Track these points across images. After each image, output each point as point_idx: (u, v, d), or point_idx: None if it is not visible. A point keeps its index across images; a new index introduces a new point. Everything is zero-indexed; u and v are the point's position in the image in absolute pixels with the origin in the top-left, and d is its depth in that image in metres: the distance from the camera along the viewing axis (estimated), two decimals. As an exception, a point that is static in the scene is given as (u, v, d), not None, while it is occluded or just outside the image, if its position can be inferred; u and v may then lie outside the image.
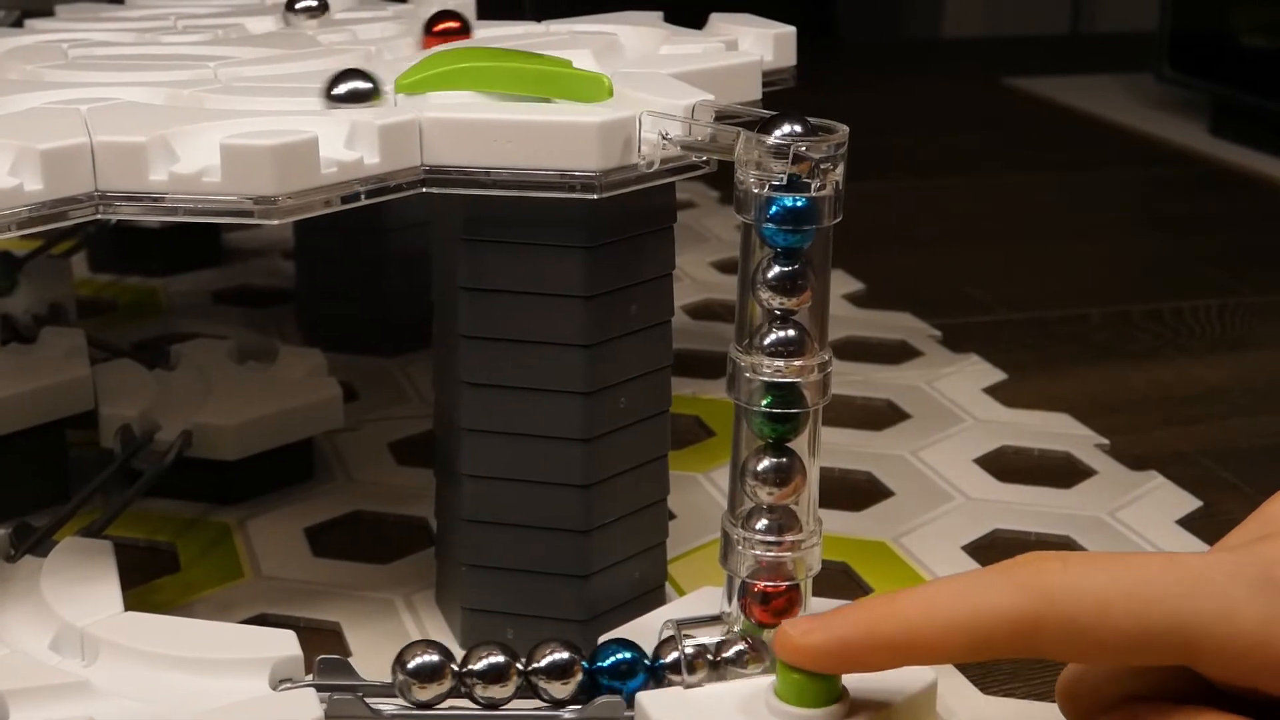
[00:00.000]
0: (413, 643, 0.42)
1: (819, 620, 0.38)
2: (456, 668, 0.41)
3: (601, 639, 0.43)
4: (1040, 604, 0.35)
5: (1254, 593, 0.34)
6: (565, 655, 0.42)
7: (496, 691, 0.41)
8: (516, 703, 0.42)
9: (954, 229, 1.01)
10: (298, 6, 0.59)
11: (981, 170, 1.17)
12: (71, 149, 0.41)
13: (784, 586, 0.42)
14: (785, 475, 0.41)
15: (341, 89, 0.45)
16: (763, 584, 0.42)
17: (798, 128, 0.39)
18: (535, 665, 0.42)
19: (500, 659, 0.41)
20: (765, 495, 0.41)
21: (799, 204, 0.39)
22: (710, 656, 0.41)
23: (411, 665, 0.41)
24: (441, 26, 0.54)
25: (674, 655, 0.41)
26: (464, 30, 0.54)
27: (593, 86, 0.45)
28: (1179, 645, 0.35)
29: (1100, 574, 0.35)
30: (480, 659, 0.41)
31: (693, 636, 0.42)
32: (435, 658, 0.41)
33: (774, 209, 0.39)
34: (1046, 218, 1.04)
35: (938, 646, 0.36)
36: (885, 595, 0.38)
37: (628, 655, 0.42)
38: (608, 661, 0.42)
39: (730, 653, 0.41)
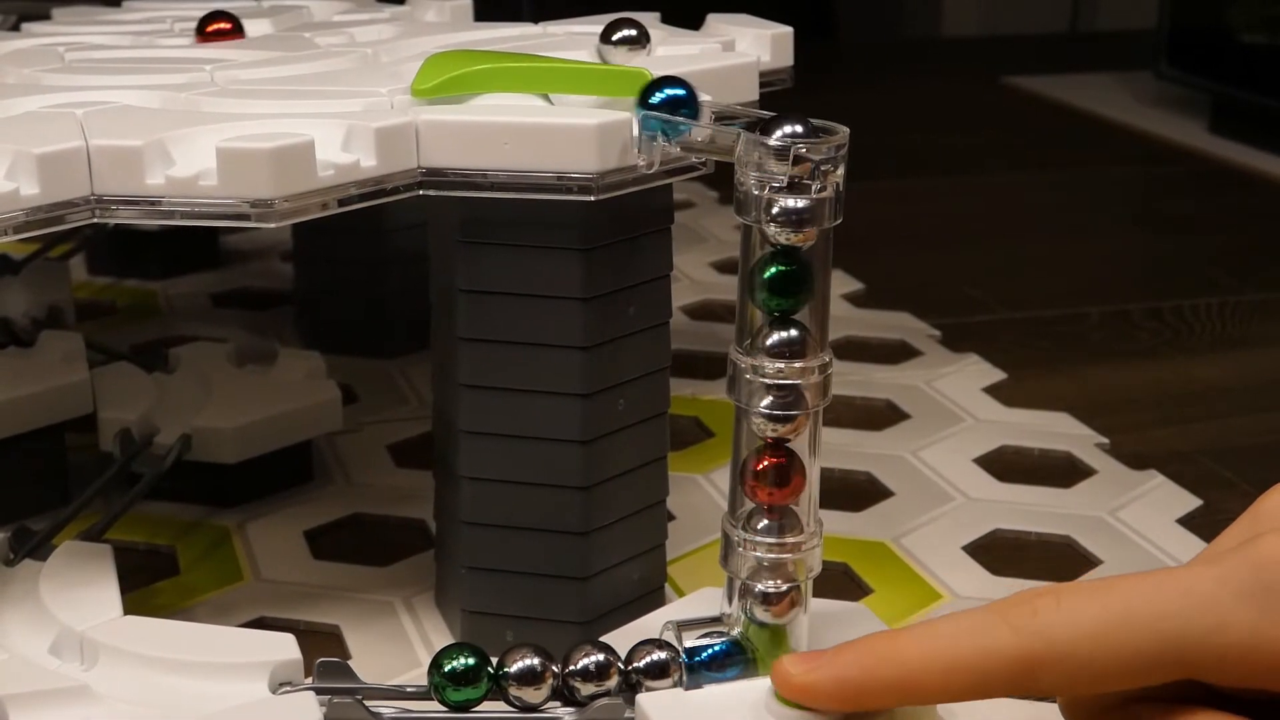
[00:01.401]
0: (512, 646, 0.42)
1: (818, 659, 0.38)
2: (557, 669, 0.42)
3: (602, 640, 0.43)
4: (1037, 644, 0.36)
5: (1243, 600, 0.35)
6: (663, 655, 0.42)
7: (594, 689, 0.42)
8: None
9: (953, 228, 1.01)
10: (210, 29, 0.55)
11: (981, 169, 1.17)
12: (68, 153, 0.41)
13: (785, 588, 0.42)
14: (785, 476, 0.41)
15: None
16: (763, 585, 0.41)
17: (798, 128, 0.39)
18: (635, 665, 0.42)
19: (600, 658, 0.41)
20: (766, 496, 0.41)
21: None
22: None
23: (514, 670, 0.41)
24: (213, 27, 0.54)
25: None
26: (237, 30, 0.54)
27: (631, 81, 0.44)
28: (1176, 663, 0.35)
29: (1091, 606, 0.36)
30: (580, 659, 0.42)
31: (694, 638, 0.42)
32: (535, 660, 0.41)
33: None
34: (1045, 217, 1.04)
35: (936, 688, 0.37)
36: (884, 635, 0.38)
37: (724, 647, 0.42)
38: (706, 655, 0.42)
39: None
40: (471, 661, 0.41)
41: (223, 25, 0.53)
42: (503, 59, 0.46)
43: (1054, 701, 0.40)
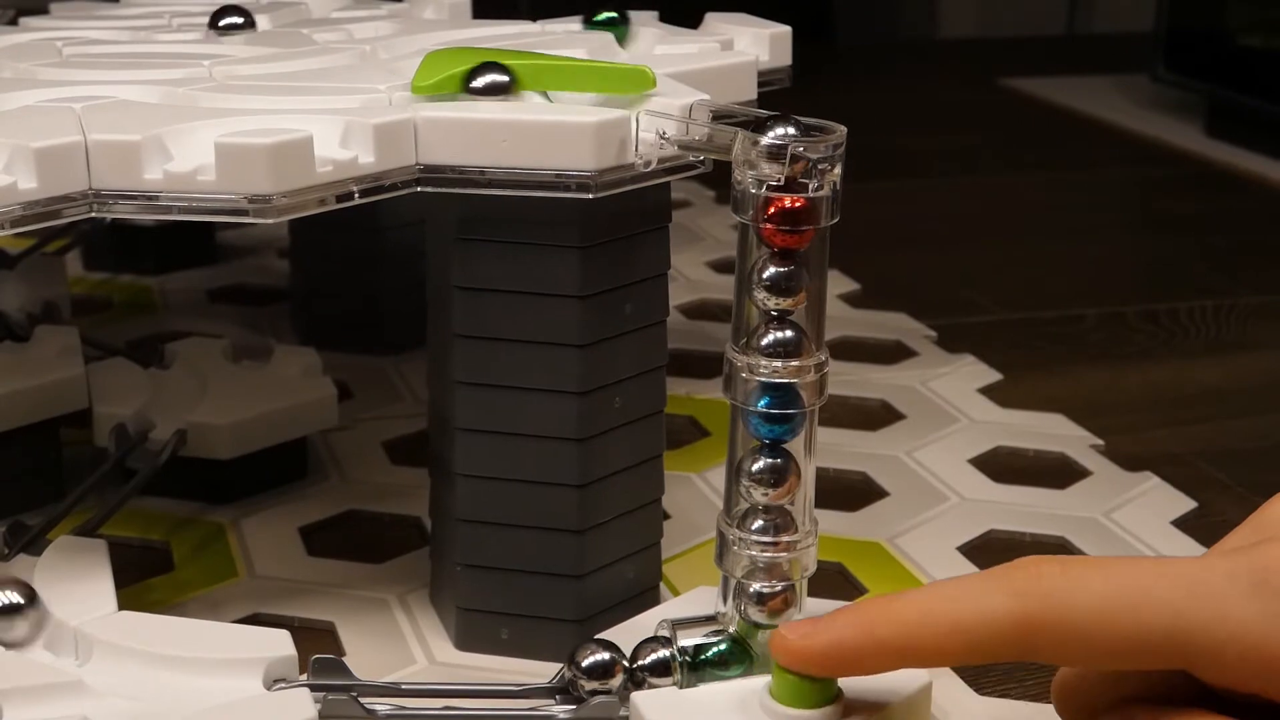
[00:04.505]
0: (585, 642, 0.42)
1: (815, 623, 0.38)
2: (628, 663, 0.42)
3: (596, 639, 0.43)
4: (1037, 608, 0.35)
5: (1248, 598, 0.35)
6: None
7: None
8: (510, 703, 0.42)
9: (949, 229, 1.01)
10: (222, 24, 0.57)
11: (977, 171, 1.17)
12: (66, 147, 0.41)
13: (779, 587, 0.42)
14: (780, 475, 0.41)
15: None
16: (758, 585, 0.42)
17: (792, 129, 0.39)
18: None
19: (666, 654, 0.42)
20: (760, 496, 0.41)
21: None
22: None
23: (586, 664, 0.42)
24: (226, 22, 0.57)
25: None
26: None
27: (637, 79, 0.44)
28: (1174, 650, 0.35)
29: (1097, 579, 0.35)
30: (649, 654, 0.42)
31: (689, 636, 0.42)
32: (606, 655, 0.42)
33: (763, 402, 0.40)
34: (1042, 218, 1.04)
35: (934, 650, 0.36)
36: (882, 598, 0.38)
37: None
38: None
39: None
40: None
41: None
42: (502, 56, 0.46)
43: (1049, 703, 0.40)
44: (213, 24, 0.57)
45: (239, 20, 0.57)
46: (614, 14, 0.56)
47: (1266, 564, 0.35)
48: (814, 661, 0.38)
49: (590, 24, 0.56)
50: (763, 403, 0.41)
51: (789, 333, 0.40)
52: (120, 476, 0.56)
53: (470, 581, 0.48)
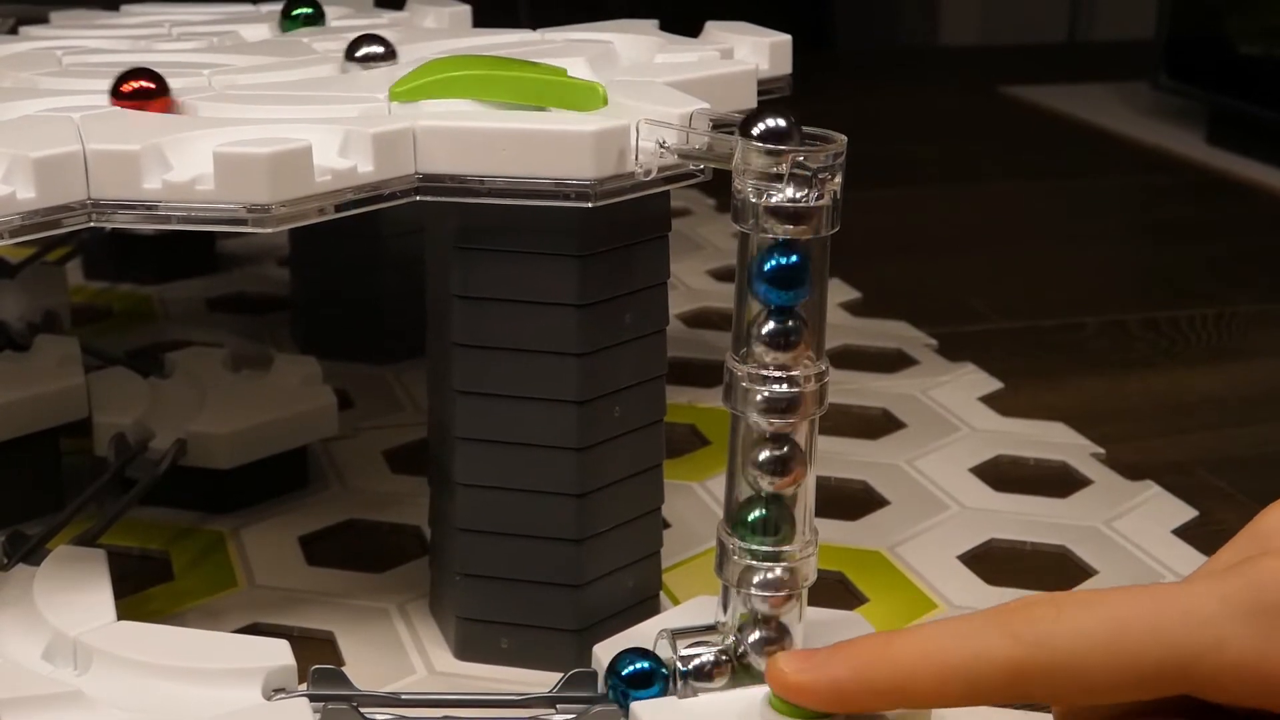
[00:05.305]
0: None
1: (812, 658, 0.38)
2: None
3: (595, 647, 0.43)
4: (1033, 653, 0.35)
5: (1243, 619, 0.34)
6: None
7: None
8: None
9: (950, 237, 1.01)
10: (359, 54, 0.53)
11: (978, 179, 1.17)
12: (65, 157, 0.41)
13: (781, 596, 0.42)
14: (786, 464, 0.41)
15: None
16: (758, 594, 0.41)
17: (780, 121, 0.39)
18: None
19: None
20: (766, 484, 0.41)
21: (792, 260, 0.39)
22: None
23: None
24: (131, 86, 0.46)
25: None
26: (159, 92, 0.46)
27: (587, 95, 0.45)
28: (1172, 679, 0.35)
29: (1090, 617, 0.35)
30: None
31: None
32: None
33: (769, 265, 0.39)
34: (1043, 226, 1.04)
35: (930, 693, 0.36)
36: (880, 636, 0.38)
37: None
38: None
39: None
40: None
41: (143, 84, 0.46)
42: (486, 66, 0.46)
43: (1048, 710, 0.40)
44: (349, 55, 0.53)
45: (379, 50, 0.53)
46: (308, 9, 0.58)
47: (1260, 582, 0.35)
48: (810, 696, 0.38)
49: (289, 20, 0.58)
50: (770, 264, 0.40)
51: (789, 338, 0.40)
52: (120, 486, 0.56)
53: (470, 591, 0.48)
